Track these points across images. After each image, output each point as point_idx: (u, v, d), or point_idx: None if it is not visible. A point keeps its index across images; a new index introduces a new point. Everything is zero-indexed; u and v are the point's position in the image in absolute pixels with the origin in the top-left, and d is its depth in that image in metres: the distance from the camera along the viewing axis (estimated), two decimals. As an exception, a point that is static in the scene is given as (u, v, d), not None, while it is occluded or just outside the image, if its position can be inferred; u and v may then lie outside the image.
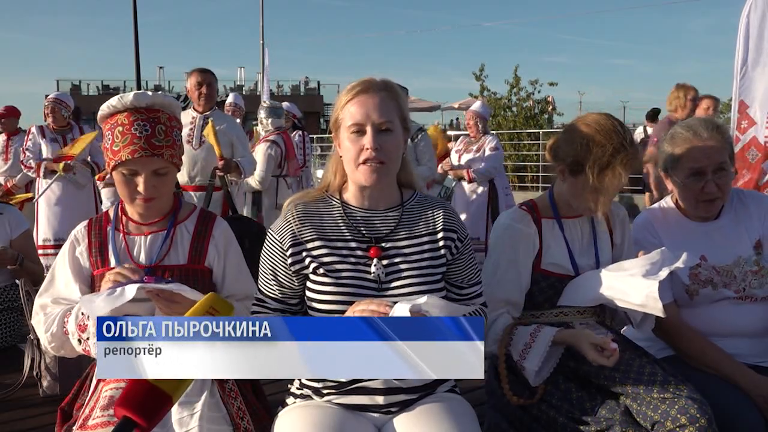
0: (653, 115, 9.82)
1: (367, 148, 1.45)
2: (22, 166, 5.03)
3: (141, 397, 1.04)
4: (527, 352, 1.70)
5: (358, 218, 1.55)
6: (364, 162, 1.46)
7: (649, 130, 9.50)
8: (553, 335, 1.70)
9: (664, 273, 1.63)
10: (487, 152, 5.55)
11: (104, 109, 1.65)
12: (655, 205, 2.10)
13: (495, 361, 1.90)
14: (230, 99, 6.35)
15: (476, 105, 5.86)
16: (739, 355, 1.85)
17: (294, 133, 6.15)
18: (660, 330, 1.91)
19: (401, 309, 1.28)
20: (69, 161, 4.80)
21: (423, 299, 1.29)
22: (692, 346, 1.88)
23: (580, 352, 1.64)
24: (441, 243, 1.55)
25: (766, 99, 6.01)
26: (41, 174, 4.89)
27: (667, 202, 2.06)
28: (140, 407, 1.02)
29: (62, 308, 1.66)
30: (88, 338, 1.56)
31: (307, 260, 1.50)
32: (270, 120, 5.17)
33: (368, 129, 1.45)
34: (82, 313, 1.58)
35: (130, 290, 1.48)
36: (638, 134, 9.39)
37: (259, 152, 4.92)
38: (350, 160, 1.48)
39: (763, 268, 1.90)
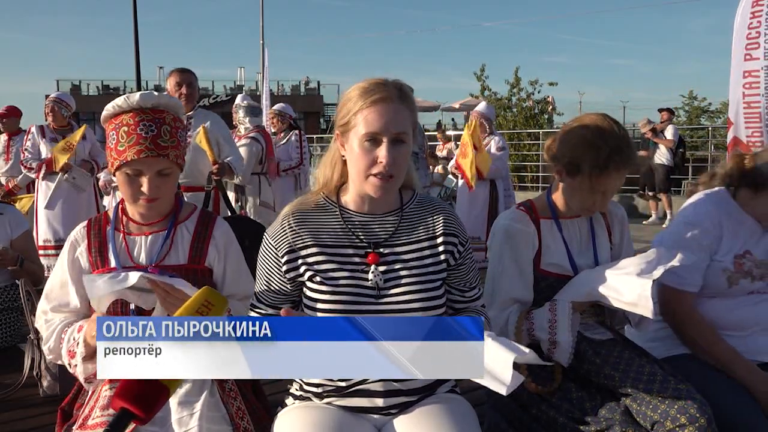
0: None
1: (381, 162, 1.40)
2: (22, 167, 5.04)
3: (138, 388, 1.04)
4: (555, 327, 1.70)
5: (356, 223, 1.52)
6: (375, 174, 1.42)
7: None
8: (570, 302, 1.72)
9: (658, 272, 1.62)
10: (493, 152, 5.58)
11: (109, 109, 1.65)
12: (715, 191, 2.02)
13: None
14: (237, 101, 6.33)
15: (481, 106, 5.87)
16: (759, 351, 1.87)
17: (291, 133, 6.18)
18: (672, 316, 1.92)
19: (503, 354, 1.26)
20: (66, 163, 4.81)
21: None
22: (703, 336, 1.89)
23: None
24: (441, 248, 1.52)
25: (738, 98, 6.06)
26: (41, 175, 4.89)
27: (724, 192, 2.00)
28: (138, 398, 1.02)
29: (60, 321, 1.67)
30: (76, 365, 1.57)
31: (303, 268, 1.48)
32: (248, 119, 5.27)
33: (384, 140, 1.41)
34: (74, 338, 1.58)
35: (133, 276, 1.50)
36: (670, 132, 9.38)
37: (242, 151, 4.99)
38: (360, 169, 1.44)
39: None
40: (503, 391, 1.23)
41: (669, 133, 9.43)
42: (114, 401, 1.02)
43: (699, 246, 1.90)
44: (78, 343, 1.55)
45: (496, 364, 1.35)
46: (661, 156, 9.36)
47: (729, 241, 1.93)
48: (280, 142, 6.01)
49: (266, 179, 5.27)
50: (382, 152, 1.41)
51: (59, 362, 1.68)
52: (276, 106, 6.35)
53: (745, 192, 1.96)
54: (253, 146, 5.07)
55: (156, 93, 1.67)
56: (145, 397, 1.04)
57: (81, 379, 1.58)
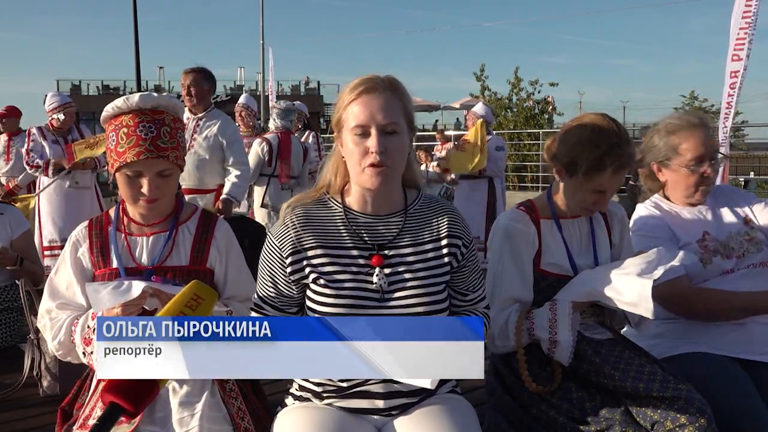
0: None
1: (372, 152, 1.40)
2: (27, 167, 4.98)
3: (127, 382, 1.03)
4: (555, 326, 1.71)
5: (360, 224, 1.50)
6: (370, 165, 1.41)
7: None
8: (570, 302, 1.72)
9: (659, 272, 1.62)
10: (493, 152, 5.60)
11: (108, 110, 1.65)
12: (647, 201, 2.18)
13: (495, 361, 1.91)
14: (242, 100, 6.29)
15: (478, 107, 5.88)
16: (757, 344, 1.91)
17: (308, 134, 6.14)
18: (674, 303, 1.96)
19: None
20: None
21: None
22: (714, 298, 1.93)
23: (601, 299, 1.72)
24: (445, 251, 1.51)
25: (724, 98, 6.06)
26: (50, 173, 4.85)
27: (656, 197, 2.16)
28: (127, 392, 1.02)
29: (69, 315, 1.66)
30: (92, 352, 1.56)
31: (307, 269, 1.46)
32: (277, 121, 5.20)
33: (373, 131, 1.40)
34: (88, 326, 1.58)
35: (137, 287, 1.49)
36: None
37: (251, 149, 5.00)
38: (354, 162, 1.43)
39: (755, 237, 2.03)
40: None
41: None
42: (103, 395, 1.02)
43: (659, 241, 1.96)
44: (94, 330, 1.55)
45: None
46: None
47: (683, 233, 2.03)
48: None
49: (278, 182, 5.12)
50: (372, 142, 1.40)
51: (67, 358, 1.67)
52: (295, 104, 6.31)
53: (665, 188, 2.13)
54: (260, 147, 4.99)
55: (155, 94, 1.67)
56: (134, 391, 1.03)
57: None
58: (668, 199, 2.13)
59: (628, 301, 1.64)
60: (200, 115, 3.98)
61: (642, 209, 2.15)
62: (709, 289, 1.96)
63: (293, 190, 5.10)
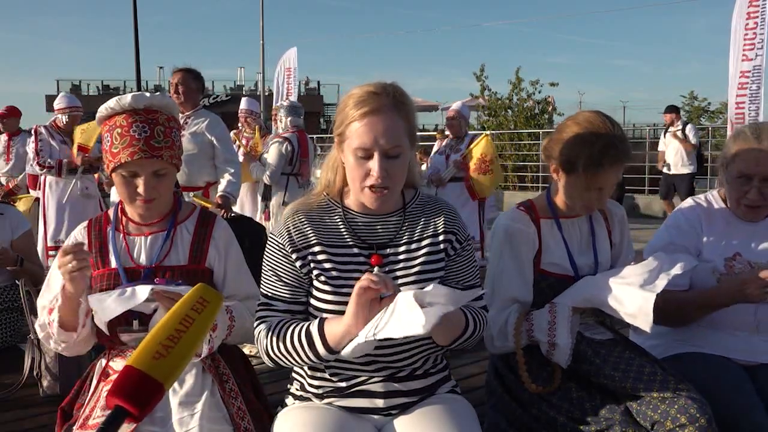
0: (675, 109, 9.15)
1: (373, 175, 1.40)
2: (38, 167, 4.96)
3: (133, 385, 1.03)
4: (554, 329, 1.71)
5: (360, 224, 1.52)
6: (370, 187, 1.42)
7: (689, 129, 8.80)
8: (569, 306, 1.72)
9: (661, 283, 1.63)
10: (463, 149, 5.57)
11: (102, 111, 1.65)
12: (701, 196, 2.09)
13: (495, 361, 1.90)
14: (243, 105, 6.24)
15: (458, 104, 5.71)
16: (755, 351, 1.88)
17: None
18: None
19: (406, 299, 1.24)
20: (87, 155, 4.81)
21: (428, 289, 1.25)
22: (675, 300, 1.87)
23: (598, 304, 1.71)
24: (441, 246, 1.53)
25: (733, 98, 6.04)
26: (63, 174, 4.87)
27: (714, 195, 2.06)
28: (132, 396, 1.01)
29: None
30: (53, 321, 1.57)
31: (312, 265, 1.48)
32: (289, 119, 5.14)
33: (376, 155, 1.40)
34: (56, 298, 1.57)
35: (142, 292, 1.49)
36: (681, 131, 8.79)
37: (272, 149, 4.97)
38: (355, 181, 1.44)
39: None
40: (420, 329, 1.15)
41: (691, 135, 8.62)
42: (108, 399, 1.01)
43: (675, 247, 1.92)
44: (57, 299, 1.56)
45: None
46: (685, 165, 8.69)
47: (715, 243, 1.94)
48: None
49: (296, 180, 5.09)
50: (374, 166, 1.40)
51: (50, 343, 1.65)
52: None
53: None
54: (284, 146, 4.94)
55: (148, 94, 1.67)
56: (140, 395, 1.03)
57: (54, 331, 1.57)
58: (725, 201, 2.02)
59: (628, 312, 1.65)
60: (188, 113, 4.00)
61: (688, 203, 2.06)
62: (675, 291, 1.89)
63: (305, 188, 5.07)
